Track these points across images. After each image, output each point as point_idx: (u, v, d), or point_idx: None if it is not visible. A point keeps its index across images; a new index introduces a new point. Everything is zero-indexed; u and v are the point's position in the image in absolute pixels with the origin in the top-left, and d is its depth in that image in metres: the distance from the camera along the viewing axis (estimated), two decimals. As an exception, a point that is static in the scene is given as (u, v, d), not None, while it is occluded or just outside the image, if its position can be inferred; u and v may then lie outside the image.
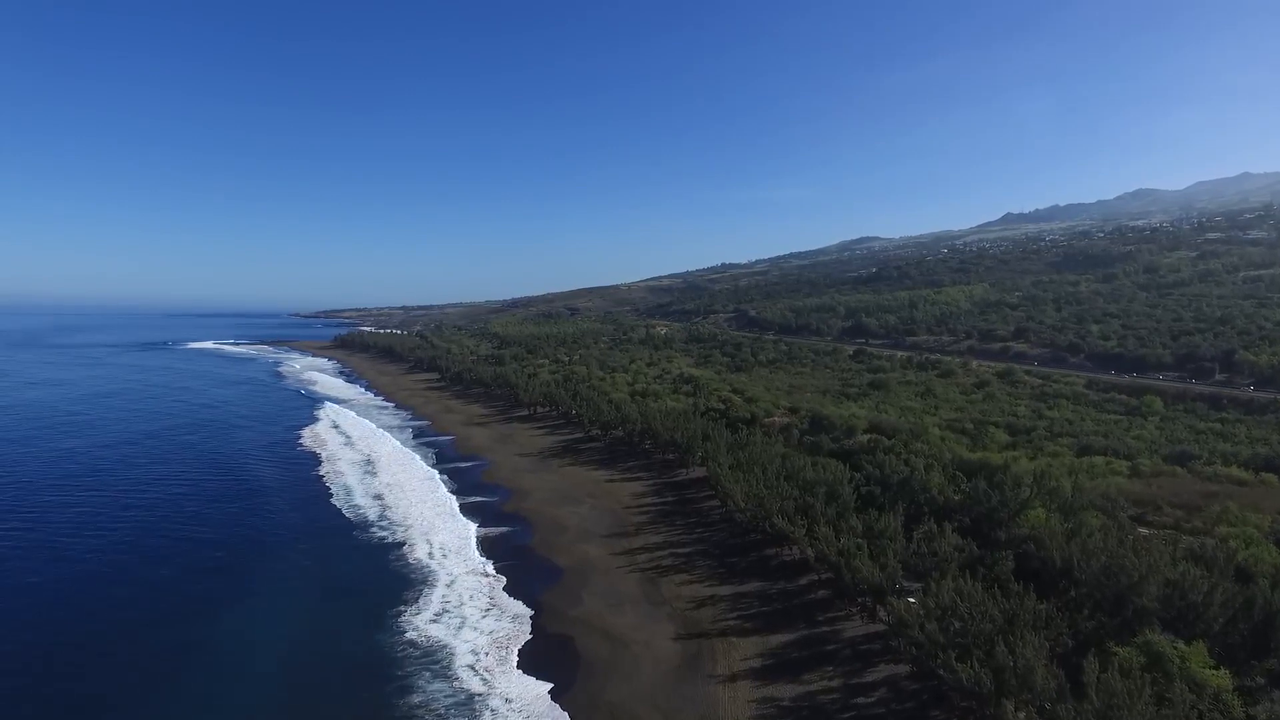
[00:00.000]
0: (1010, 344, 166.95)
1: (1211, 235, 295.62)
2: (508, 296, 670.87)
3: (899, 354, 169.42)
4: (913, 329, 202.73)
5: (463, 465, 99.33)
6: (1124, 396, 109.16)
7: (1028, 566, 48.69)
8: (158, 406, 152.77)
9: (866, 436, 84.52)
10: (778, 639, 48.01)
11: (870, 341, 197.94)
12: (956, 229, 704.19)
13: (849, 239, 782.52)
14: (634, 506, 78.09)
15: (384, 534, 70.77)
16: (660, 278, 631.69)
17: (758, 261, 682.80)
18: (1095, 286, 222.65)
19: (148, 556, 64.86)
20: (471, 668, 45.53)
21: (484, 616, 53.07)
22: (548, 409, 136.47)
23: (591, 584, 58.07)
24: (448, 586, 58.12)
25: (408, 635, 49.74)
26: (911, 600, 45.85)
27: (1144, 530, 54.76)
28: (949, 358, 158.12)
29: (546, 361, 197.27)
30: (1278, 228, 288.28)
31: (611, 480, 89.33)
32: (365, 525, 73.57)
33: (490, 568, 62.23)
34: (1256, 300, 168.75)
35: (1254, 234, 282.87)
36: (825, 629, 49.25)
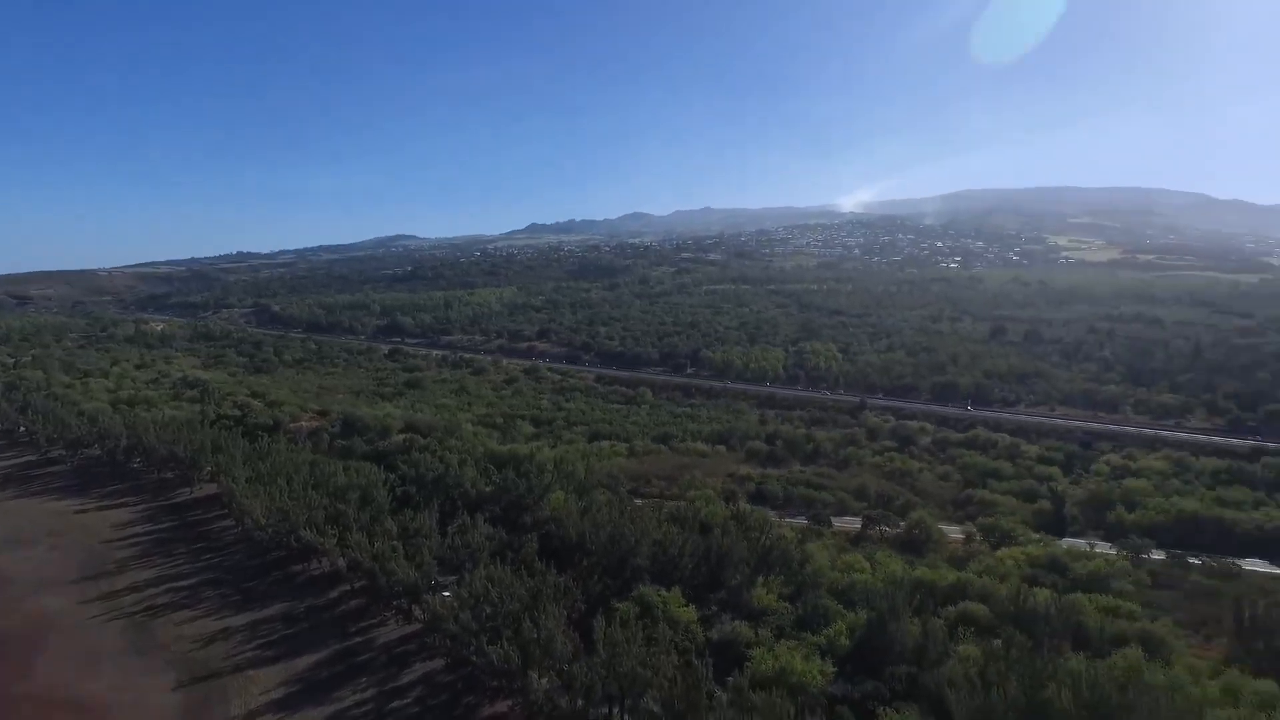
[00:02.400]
0: (535, 343, 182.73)
1: (685, 255, 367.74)
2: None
3: (435, 353, 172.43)
4: (448, 328, 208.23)
5: None
6: (624, 389, 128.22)
7: (550, 545, 53.32)
8: None
9: (402, 436, 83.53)
10: (305, 660, 43.94)
11: (406, 340, 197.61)
12: (489, 234, 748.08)
13: (384, 236, 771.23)
14: (117, 539, 63.98)
15: None
16: (157, 264, 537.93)
17: (282, 252, 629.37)
18: (603, 294, 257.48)
19: None
20: None
21: None
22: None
23: (50, 646, 45.68)
24: None
25: None
26: (447, 594, 46.44)
27: (639, 501, 64.68)
28: (481, 356, 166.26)
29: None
30: (728, 252, 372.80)
31: (84, 510, 71.90)
32: None
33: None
34: (714, 309, 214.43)
35: (713, 256, 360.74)
36: (359, 639, 46.77)
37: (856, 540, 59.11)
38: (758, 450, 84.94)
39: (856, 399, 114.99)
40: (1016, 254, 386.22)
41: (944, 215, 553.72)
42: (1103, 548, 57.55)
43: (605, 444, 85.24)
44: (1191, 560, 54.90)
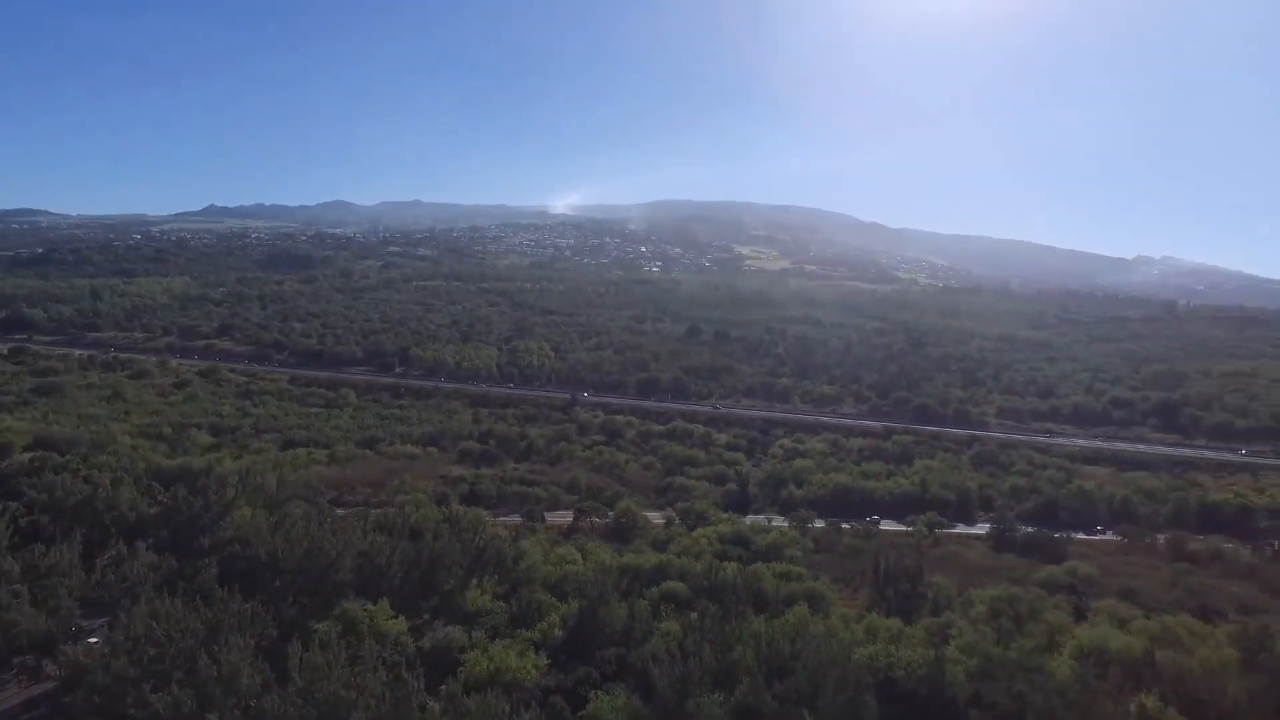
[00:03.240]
0: (215, 341, 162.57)
1: (393, 249, 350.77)
2: None
3: (78, 352, 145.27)
4: (96, 324, 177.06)
5: None
6: (324, 390, 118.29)
7: (235, 568, 47.23)
8: None
9: (30, 455, 68.47)
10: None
11: (36, 337, 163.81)
12: (154, 214, 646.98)
13: (3, 209, 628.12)
14: None
15: None
16: None
17: None
18: (299, 287, 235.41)
19: None
20: None
21: None
22: None
23: None
24: None
25: None
26: (94, 640, 38.99)
27: (341, 510, 59.93)
28: (143, 356, 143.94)
29: None
30: (439, 247, 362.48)
31: None
32: None
33: None
34: (425, 306, 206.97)
35: (423, 251, 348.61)
36: (-39, 714, 37.31)
37: (569, 533, 60.80)
38: (471, 450, 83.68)
39: (568, 395, 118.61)
40: (709, 261, 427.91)
41: (647, 222, 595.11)
42: (778, 521, 65.80)
43: (302, 451, 77.95)
44: (844, 525, 65.04)
